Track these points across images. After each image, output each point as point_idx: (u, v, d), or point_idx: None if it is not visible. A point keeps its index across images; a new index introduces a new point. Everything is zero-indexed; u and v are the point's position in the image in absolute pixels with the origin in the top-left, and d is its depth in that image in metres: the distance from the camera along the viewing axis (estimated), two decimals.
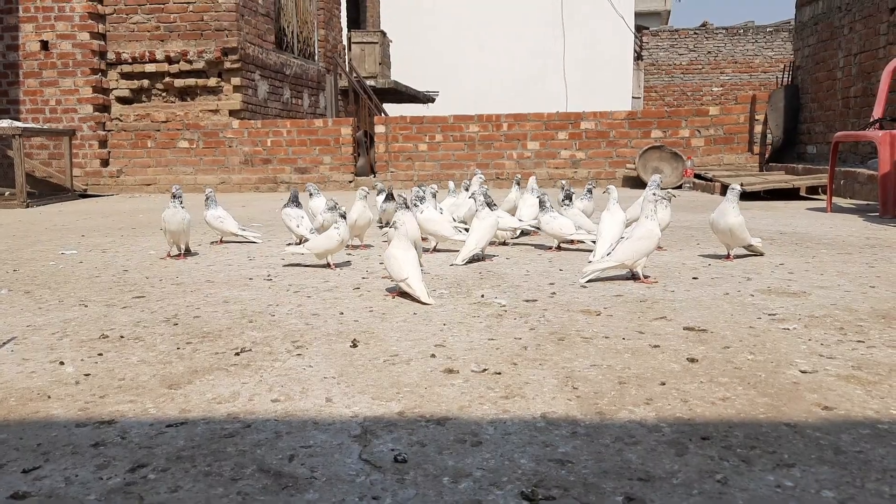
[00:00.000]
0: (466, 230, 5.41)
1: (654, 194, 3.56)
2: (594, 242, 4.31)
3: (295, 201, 4.94)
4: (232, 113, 12.45)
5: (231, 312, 2.96)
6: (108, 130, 12.16)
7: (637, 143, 11.28)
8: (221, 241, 5.12)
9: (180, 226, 4.19)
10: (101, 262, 4.38)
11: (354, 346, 2.43)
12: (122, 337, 2.58)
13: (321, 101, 15.98)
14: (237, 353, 2.36)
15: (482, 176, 6.31)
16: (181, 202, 4.34)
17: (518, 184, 5.90)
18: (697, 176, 10.42)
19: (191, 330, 2.68)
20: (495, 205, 4.76)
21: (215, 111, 12.54)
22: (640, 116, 11.44)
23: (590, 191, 5.46)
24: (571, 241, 4.70)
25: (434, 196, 4.74)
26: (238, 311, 2.98)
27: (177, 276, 3.81)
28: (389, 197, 5.48)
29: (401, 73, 19.81)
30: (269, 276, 3.84)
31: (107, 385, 2.08)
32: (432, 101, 20.22)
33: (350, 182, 12.10)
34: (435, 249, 4.64)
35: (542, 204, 4.50)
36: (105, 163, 12.19)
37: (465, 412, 1.83)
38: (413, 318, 2.83)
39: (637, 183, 10.90)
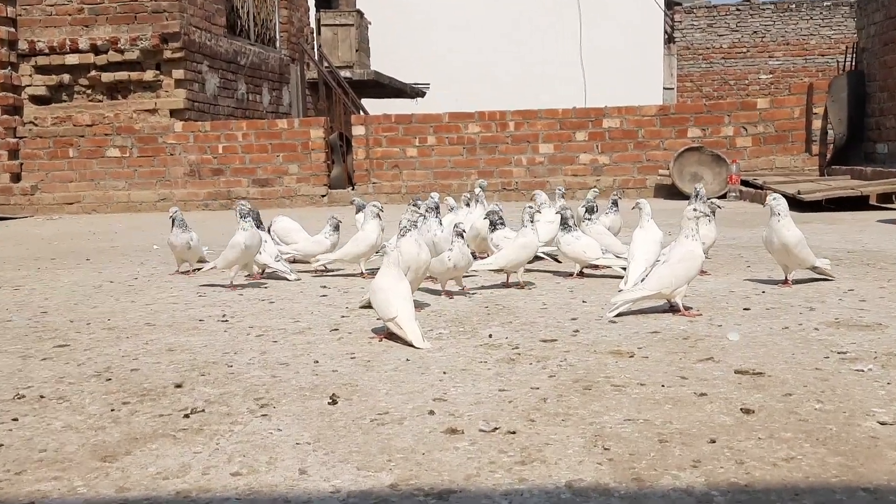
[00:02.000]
0: (473, 255, 5.46)
1: (693, 209, 3.59)
2: (624, 269, 4.34)
3: (256, 221, 5.00)
4: (174, 113, 12.48)
5: (178, 363, 2.96)
6: (20, 137, 12.18)
7: (671, 143, 11.40)
8: (192, 273, 5.17)
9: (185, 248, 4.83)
10: (13, 301, 4.37)
11: (334, 402, 2.43)
12: (41, 397, 2.57)
13: (285, 97, 16.08)
14: (187, 415, 2.35)
15: (483, 184, 6.30)
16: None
17: (468, 204, 5.79)
18: (745, 183, 10.52)
19: (128, 386, 2.67)
20: (502, 223, 4.80)
21: (153, 111, 12.55)
22: (673, 112, 11.57)
23: (615, 203, 5.49)
24: (596, 266, 4.75)
25: (437, 210, 4.78)
26: (187, 362, 2.98)
27: (108, 319, 3.81)
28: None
29: (383, 62, 20.01)
30: (224, 315, 3.85)
31: (24, 458, 2.05)
32: (422, 95, 20.38)
33: (323, 197, 12.07)
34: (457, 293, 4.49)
35: (563, 221, 4.53)
36: (16, 177, 12.17)
37: (472, 482, 1.82)
38: (406, 365, 2.83)
39: (672, 192, 10.98)
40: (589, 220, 5.01)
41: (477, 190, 5.73)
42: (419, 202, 5.75)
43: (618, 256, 4.78)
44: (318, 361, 2.92)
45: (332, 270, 5.26)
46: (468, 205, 6.03)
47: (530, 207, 4.40)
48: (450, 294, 4.17)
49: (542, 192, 5.74)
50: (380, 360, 2.92)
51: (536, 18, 21.97)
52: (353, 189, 12.01)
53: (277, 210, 11.14)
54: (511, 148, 11.74)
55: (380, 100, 19.90)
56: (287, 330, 3.49)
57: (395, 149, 11.90)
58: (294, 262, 5.45)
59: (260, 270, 5.00)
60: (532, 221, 4.35)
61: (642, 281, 3.57)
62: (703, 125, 11.40)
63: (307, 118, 13.27)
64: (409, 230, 3.90)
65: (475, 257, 5.47)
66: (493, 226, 4.78)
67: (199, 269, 5.39)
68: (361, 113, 14.89)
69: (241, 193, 12.00)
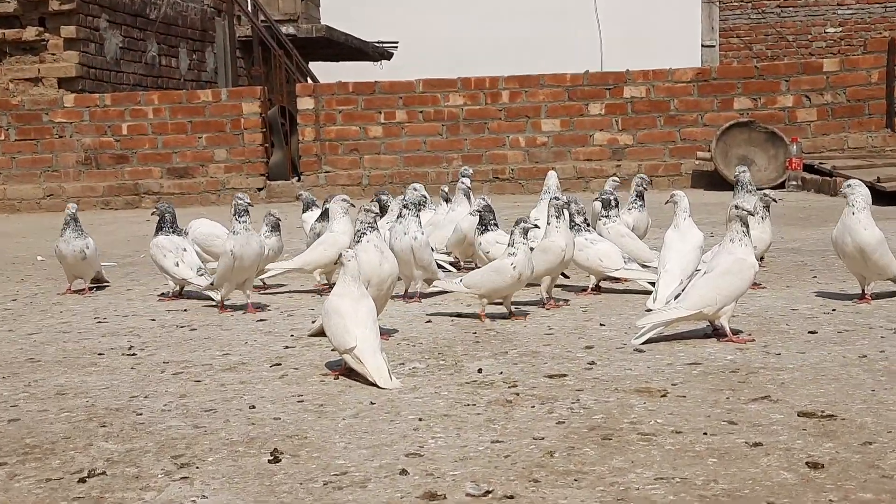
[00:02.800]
0: (454, 265, 5.49)
1: (735, 207, 3.61)
2: (653, 283, 4.38)
3: (172, 225, 5.01)
4: (63, 83, 12.44)
5: (71, 411, 2.94)
6: None
7: (712, 118, 11.52)
8: (86, 291, 5.17)
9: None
10: None
11: (276, 459, 2.42)
12: None
13: (209, 61, 16.03)
14: (83, 479, 2.34)
15: (468, 172, 6.31)
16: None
17: (447, 199, 5.86)
18: (808, 168, 10.64)
19: (5, 442, 2.66)
20: (494, 224, 4.80)
21: (36, 81, 12.48)
22: (715, 76, 11.71)
23: (640, 195, 5.53)
24: (617, 279, 4.77)
25: (418, 207, 4.76)
26: (82, 409, 2.96)
27: None
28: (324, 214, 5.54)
29: (337, 15, 20.03)
30: (131, 348, 3.85)
31: None
32: (388, 57, 20.40)
33: (260, 190, 12.07)
34: (420, 296, 4.70)
35: (571, 219, 4.56)
36: None
37: None
38: (370, 410, 2.84)
39: (715, 181, 11.08)
40: (606, 217, 5.03)
41: (464, 182, 5.70)
42: (384, 196, 5.76)
43: (644, 265, 4.79)
44: (254, 406, 2.91)
45: (269, 287, 5.27)
46: (448, 200, 6.04)
47: (557, 199, 4.39)
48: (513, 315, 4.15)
49: (467, 174, 5.79)
50: (336, 403, 2.92)
51: None
52: (298, 180, 12.00)
53: (201, 210, 11.13)
54: (505, 125, 11.79)
55: (333, 63, 19.91)
56: (214, 366, 3.48)
57: (353, 127, 11.91)
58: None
59: (178, 288, 4.99)
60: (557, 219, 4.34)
61: (677, 298, 3.59)
62: (753, 93, 11.52)
63: (238, 88, 13.23)
64: (365, 234, 3.91)
65: (457, 267, 5.53)
66: (484, 226, 4.76)
67: (97, 287, 5.36)
68: (309, 81, 14.88)
69: (152, 187, 11.97)
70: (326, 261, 4.89)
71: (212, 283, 4.63)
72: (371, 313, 3.25)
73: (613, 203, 5.08)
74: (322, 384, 3.16)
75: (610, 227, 4.98)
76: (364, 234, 3.90)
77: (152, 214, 5.18)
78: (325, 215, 5.61)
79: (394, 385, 3.05)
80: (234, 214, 4.52)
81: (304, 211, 6.04)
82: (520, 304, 4.37)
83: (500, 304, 4.23)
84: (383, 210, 5.51)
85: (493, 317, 4.19)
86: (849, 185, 4.14)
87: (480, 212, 4.79)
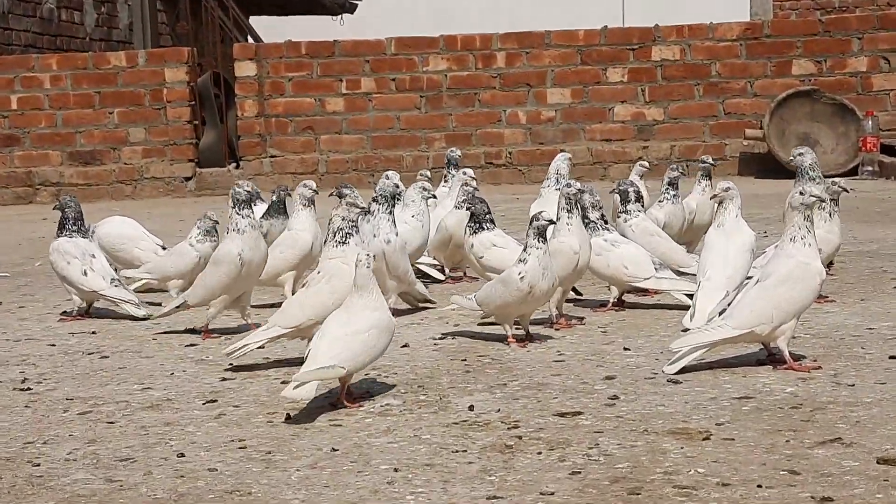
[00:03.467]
0: (441, 271, 5.54)
1: (801, 195, 3.61)
2: (691, 297, 4.40)
3: (76, 225, 4.99)
4: None
5: None
6: None
7: (765, 86, 11.56)
8: None
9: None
10: None
11: None
12: None
13: (122, 15, 15.96)
14: None
15: (454, 155, 6.36)
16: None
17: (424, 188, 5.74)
18: (888, 150, 10.70)
19: None
20: (490, 221, 4.79)
21: None
22: (768, 33, 11.76)
23: (673, 184, 5.61)
24: (645, 290, 4.79)
25: (392, 200, 4.81)
26: None
27: None
28: (279, 208, 5.62)
29: None
30: (24, 380, 3.84)
31: None
32: (351, 10, 20.38)
33: (188, 180, 12.07)
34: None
35: (584, 214, 4.56)
36: None
37: None
38: (331, 459, 2.84)
39: (767, 166, 11.14)
40: (625, 213, 5.05)
41: (464, 174, 5.66)
42: (346, 190, 5.80)
43: (679, 272, 4.80)
44: (183, 455, 2.91)
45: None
46: (426, 191, 6.04)
47: (568, 186, 4.40)
48: (521, 341, 4.13)
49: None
50: (287, 450, 2.92)
51: None
52: (237, 167, 11.97)
53: (113, 205, 11.10)
54: (500, 96, 11.79)
55: (281, 18, 19.86)
56: (131, 403, 3.46)
57: (307, 99, 11.89)
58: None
59: (85, 305, 4.98)
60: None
61: (722, 314, 3.59)
62: (816, 54, 11.56)
63: (159, 49, 13.17)
64: (352, 235, 3.93)
65: (444, 274, 5.55)
66: (478, 223, 4.72)
67: None
68: (250, 40, 14.84)
69: (49, 176, 11.91)
70: (287, 267, 4.91)
71: (184, 302, 4.53)
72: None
73: (633, 196, 5.08)
74: (270, 426, 3.15)
75: (634, 225, 4.98)
76: (350, 235, 3.93)
77: (54, 209, 5.17)
78: (275, 211, 5.63)
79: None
80: (234, 206, 4.48)
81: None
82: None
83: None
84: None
85: (487, 338, 4.19)
86: None
87: (471, 206, 4.77)
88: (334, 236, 3.92)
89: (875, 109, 11.04)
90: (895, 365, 3.55)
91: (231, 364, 3.95)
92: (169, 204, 11.11)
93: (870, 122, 10.58)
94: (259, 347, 3.87)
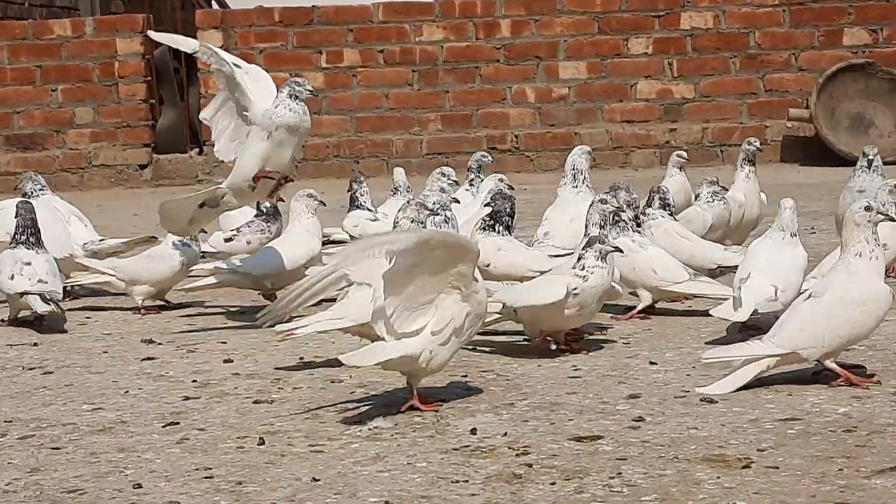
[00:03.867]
0: None
1: (866, 209, 3.60)
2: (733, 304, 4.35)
3: (25, 234, 5.04)
4: None
5: None
6: None
7: (811, 58, 11.55)
8: None
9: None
10: None
11: None
12: None
13: None
14: None
15: (487, 158, 6.48)
16: None
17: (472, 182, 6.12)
18: None
19: None
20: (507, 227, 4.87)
21: None
22: None
23: (715, 183, 5.76)
24: (679, 297, 4.83)
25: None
26: None
27: None
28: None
29: None
30: None
31: None
32: None
33: (143, 167, 12.04)
34: None
35: (615, 214, 4.61)
36: None
37: None
38: (311, 490, 2.83)
39: (814, 151, 11.12)
40: (643, 216, 5.09)
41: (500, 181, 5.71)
42: (355, 185, 5.99)
43: (716, 268, 4.84)
44: (140, 486, 2.91)
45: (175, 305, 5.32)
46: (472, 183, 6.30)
47: (603, 202, 4.45)
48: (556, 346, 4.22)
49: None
50: (261, 480, 2.91)
51: None
52: (200, 153, 11.95)
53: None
54: (505, 71, 11.78)
55: None
56: (80, 426, 3.46)
57: (281, 74, 11.78)
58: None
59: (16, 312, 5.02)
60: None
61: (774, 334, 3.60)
62: (871, 22, 11.55)
63: (110, 16, 13.12)
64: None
65: None
66: (492, 223, 4.77)
67: None
68: (215, 5, 14.82)
69: None
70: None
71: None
72: None
73: (659, 201, 5.12)
74: (240, 451, 3.14)
75: (654, 226, 5.00)
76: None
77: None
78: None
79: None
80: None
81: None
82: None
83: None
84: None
85: (491, 350, 4.20)
86: None
87: (494, 202, 4.84)
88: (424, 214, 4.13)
89: None
90: None
91: (195, 381, 3.96)
92: (121, 196, 11.09)
93: None
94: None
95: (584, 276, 4.03)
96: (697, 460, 2.93)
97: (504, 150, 11.76)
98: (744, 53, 11.62)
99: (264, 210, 5.71)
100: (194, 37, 12.16)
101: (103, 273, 5.34)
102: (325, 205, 5.45)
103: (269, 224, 5.64)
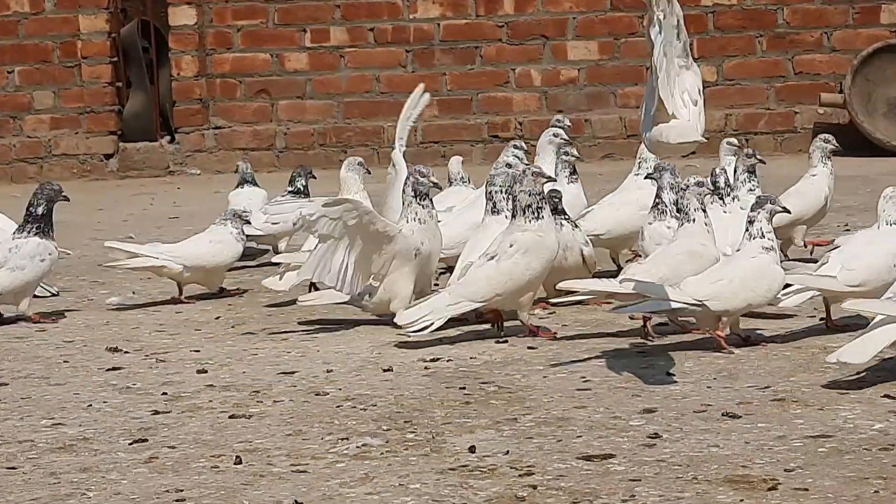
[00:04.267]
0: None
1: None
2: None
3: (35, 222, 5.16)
4: None
5: None
6: None
7: (845, 38, 11.54)
8: None
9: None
10: None
11: None
12: None
13: None
14: None
15: (517, 152, 6.63)
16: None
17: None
18: None
19: None
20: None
21: None
22: None
23: (752, 172, 5.85)
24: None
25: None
26: None
27: None
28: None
29: None
30: None
31: None
32: None
33: (109, 157, 11.95)
34: None
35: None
36: None
37: None
38: None
39: (849, 139, 10.76)
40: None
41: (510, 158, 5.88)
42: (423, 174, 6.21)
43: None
44: None
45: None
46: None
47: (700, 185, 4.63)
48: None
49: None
50: (238, 502, 2.91)
51: None
52: (171, 141, 11.94)
53: (14, 188, 11.05)
54: (508, 51, 11.76)
55: None
56: (37, 443, 3.45)
57: (261, 54, 11.86)
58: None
59: None
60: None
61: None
62: None
63: None
64: (543, 208, 4.59)
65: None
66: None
67: None
68: None
69: None
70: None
71: None
72: None
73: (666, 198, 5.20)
74: (215, 471, 3.14)
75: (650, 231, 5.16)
76: (541, 207, 4.57)
77: None
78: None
79: None
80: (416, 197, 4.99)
81: (236, 187, 6.64)
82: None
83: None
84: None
85: (491, 359, 4.20)
86: None
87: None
88: (524, 212, 4.54)
89: None
90: None
91: (165, 393, 3.96)
92: (85, 189, 11.04)
93: None
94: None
95: (771, 246, 4.35)
96: (719, 481, 2.92)
97: (507, 138, 11.67)
98: (771, 32, 11.62)
99: (299, 188, 6.26)
100: (164, 13, 12.23)
101: (155, 258, 5.48)
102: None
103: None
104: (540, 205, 4.59)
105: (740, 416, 3.46)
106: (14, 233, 5.34)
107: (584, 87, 11.76)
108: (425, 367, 4.20)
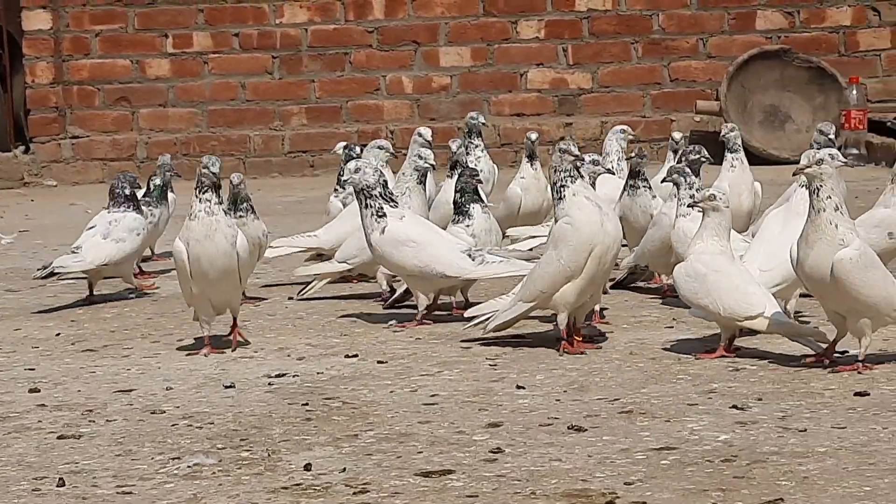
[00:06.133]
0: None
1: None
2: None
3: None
4: None
5: None
6: None
7: (721, 44, 11.67)
8: None
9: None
10: None
11: None
12: None
13: None
14: None
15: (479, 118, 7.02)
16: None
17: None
18: (877, 127, 10.76)
19: None
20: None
21: None
22: None
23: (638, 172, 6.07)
24: None
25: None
26: None
27: None
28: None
29: None
30: None
31: None
32: None
33: None
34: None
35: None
36: None
37: None
38: None
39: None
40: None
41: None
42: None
43: None
44: None
45: None
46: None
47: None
48: None
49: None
50: None
51: None
52: (26, 151, 11.77)
53: None
54: (379, 57, 11.75)
55: None
56: None
57: (120, 61, 11.76)
58: None
59: None
60: None
61: None
62: (787, 4, 11.69)
63: None
64: (566, 185, 4.56)
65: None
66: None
67: None
68: None
69: None
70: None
71: None
72: None
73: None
74: (35, 494, 3.10)
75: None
76: (565, 186, 4.54)
77: None
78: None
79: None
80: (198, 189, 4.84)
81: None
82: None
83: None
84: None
85: (339, 374, 4.20)
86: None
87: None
88: (553, 193, 4.70)
89: (861, 75, 11.21)
90: (860, 403, 3.63)
91: (88, 410, 3.94)
92: None
93: (854, 92, 10.69)
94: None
95: None
96: (557, 496, 2.95)
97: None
98: (646, 38, 11.72)
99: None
100: (18, 18, 12.07)
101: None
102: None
103: None
104: (564, 182, 4.58)
105: (586, 430, 3.48)
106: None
107: (456, 94, 11.78)
108: (269, 384, 4.19)
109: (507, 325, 4.70)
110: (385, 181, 5.24)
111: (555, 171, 4.63)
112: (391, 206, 5.06)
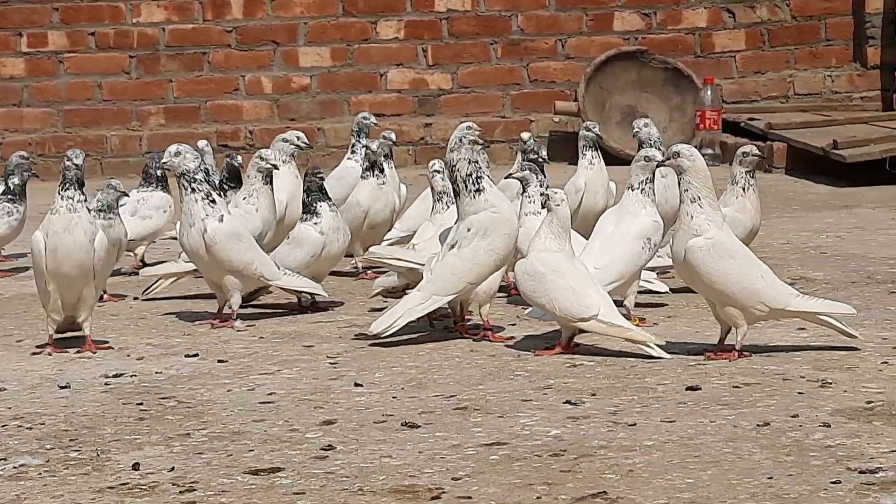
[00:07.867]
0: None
1: None
2: None
3: None
4: None
5: None
6: None
7: (579, 45, 11.71)
8: None
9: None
10: None
11: None
12: None
13: None
14: None
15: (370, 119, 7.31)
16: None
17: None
18: (731, 127, 10.90)
19: None
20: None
21: None
22: None
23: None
24: None
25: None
26: None
27: None
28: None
29: None
30: None
31: None
32: None
33: None
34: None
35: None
36: None
37: None
38: None
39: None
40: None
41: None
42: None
43: None
44: None
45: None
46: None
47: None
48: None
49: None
50: None
51: None
52: None
53: None
54: (237, 57, 11.67)
55: None
56: None
57: None
58: None
59: None
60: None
61: None
62: (644, 5, 11.75)
63: None
64: (482, 178, 4.68)
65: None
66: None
67: None
68: None
69: None
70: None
71: None
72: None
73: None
74: None
75: None
76: (481, 178, 4.68)
77: None
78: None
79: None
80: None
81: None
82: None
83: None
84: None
85: (177, 374, 4.18)
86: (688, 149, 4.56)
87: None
88: (466, 185, 4.68)
89: (716, 76, 11.35)
90: (692, 398, 3.70)
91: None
92: None
93: (709, 93, 10.81)
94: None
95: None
96: (384, 492, 2.97)
97: (237, 147, 11.58)
98: (506, 39, 11.75)
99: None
100: None
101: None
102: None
103: None
104: (480, 174, 4.69)
105: (419, 426, 3.52)
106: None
107: (316, 94, 11.74)
108: (106, 384, 4.17)
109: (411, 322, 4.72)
110: (207, 169, 5.29)
111: (468, 163, 4.68)
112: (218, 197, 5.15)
